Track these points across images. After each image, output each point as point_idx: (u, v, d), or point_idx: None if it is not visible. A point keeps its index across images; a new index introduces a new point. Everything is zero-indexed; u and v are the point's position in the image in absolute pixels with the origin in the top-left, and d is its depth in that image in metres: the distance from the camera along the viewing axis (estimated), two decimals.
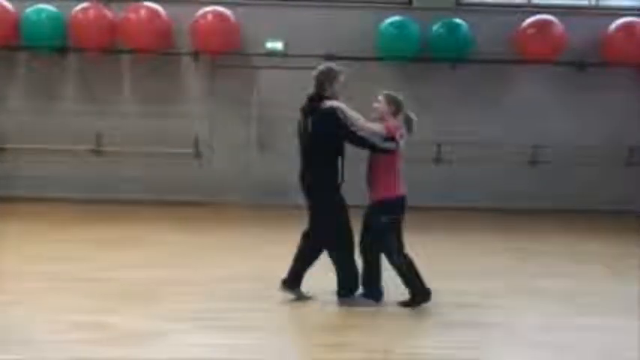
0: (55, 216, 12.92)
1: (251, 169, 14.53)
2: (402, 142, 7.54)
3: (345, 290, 7.65)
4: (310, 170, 7.59)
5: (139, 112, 14.63)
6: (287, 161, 7.62)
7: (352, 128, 7.45)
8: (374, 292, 7.70)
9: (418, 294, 7.62)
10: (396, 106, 7.71)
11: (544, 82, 14.76)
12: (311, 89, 7.65)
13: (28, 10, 13.88)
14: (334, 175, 7.49)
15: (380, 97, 7.72)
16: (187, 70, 14.71)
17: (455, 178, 14.63)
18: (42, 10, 13.90)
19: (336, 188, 7.54)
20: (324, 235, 7.66)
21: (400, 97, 7.81)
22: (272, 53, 14.45)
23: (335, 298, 7.75)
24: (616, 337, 6.89)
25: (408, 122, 7.74)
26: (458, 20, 14.14)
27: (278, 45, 14.61)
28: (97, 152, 14.57)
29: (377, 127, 7.50)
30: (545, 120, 14.68)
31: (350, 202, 7.58)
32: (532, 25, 14.07)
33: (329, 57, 14.38)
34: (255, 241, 11.00)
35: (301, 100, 7.79)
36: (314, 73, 7.66)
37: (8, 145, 14.47)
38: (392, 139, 7.46)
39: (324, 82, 7.58)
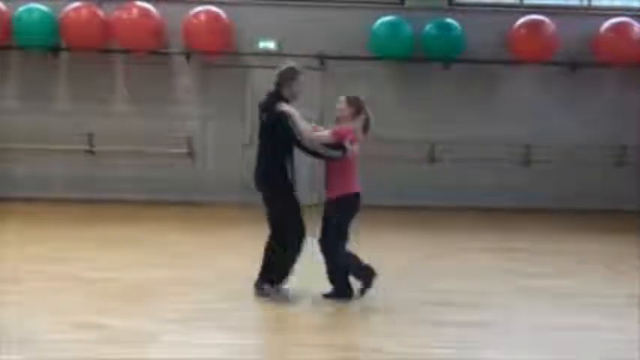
0: (51, 216, 12.88)
1: (244, 168, 14.50)
2: (352, 147, 7.60)
3: (266, 282, 7.73)
4: (260, 168, 7.68)
5: (132, 112, 14.60)
6: None
7: (299, 137, 7.54)
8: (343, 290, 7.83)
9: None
10: (356, 107, 7.80)
11: (537, 82, 14.83)
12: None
13: (20, 9, 13.80)
14: (282, 172, 7.58)
15: (341, 99, 7.83)
16: (180, 70, 14.68)
17: (448, 177, 14.66)
18: (34, 9, 13.82)
19: (285, 185, 7.61)
20: (277, 227, 7.70)
21: (361, 97, 7.91)
22: (264, 53, 14.43)
23: (333, 299, 7.81)
24: (616, 337, 6.92)
25: (367, 123, 7.84)
26: (451, 20, 14.16)
27: (270, 44, 14.61)
28: (90, 152, 14.51)
29: (325, 135, 7.61)
30: (537, 120, 14.74)
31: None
32: (524, 25, 14.11)
33: (321, 56, 14.46)
34: (251, 240, 10.92)
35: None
36: (276, 71, 7.74)
37: (0, 145, 14.38)
38: (340, 146, 7.54)
39: (284, 82, 7.65)
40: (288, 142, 7.58)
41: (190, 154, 14.65)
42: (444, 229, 12.75)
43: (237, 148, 14.47)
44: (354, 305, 7.69)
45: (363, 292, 7.82)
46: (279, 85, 7.68)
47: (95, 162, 14.60)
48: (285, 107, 7.51)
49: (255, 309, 7.53)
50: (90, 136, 14.44)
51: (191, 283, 8.02)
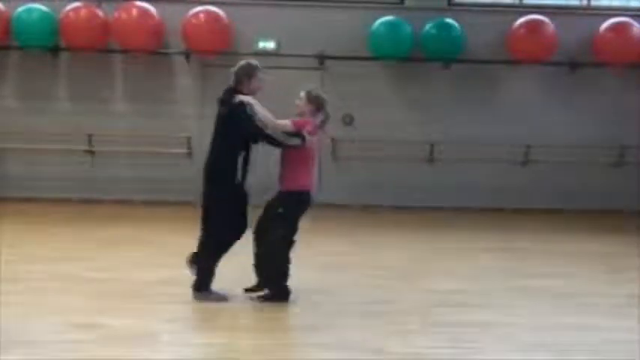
0: (51, 216, 12.88)
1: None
2: (311, 138, 7.52)
3: (199, 286, 7.69)
4: (211, 160, 7.64)
5: (132, 112, 14.60)
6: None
7: (259, 124, 7.49)
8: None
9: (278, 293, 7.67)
10: (316, 104, 7.70)
11: (536, 82, 14.84)
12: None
13: (20, 9, 13.80)
14: (233, 170, 7.51)
15: (302, 95, 7.75)
16: (179, 70, 14.68)
17: (448, 177, 14.66)
18: (33, 9, 13.82)
19: (233, 184, 7.54)
20: (209, 224, 7.69)
21: (322, 95, 7.83)
22: (264, 53, 14.41)
23: (330, 298, 7.87)
24: (616, 337, 6.91)
25: (325, 121, 7.77)
26: (450, 20, 14.15)
27: (270, 44, 14.61)
28: (90, 152, 14.51)
29: (284, 123, 7.54)
30: (537, 120, 14.75)
31: None
32: (524, 25, 14.12)
33: (321, 56, 14.46)
34: (251, 240, 10.98)
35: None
36: (233, 68, 7.69)
37: (0, 145, 14.37)
38: (299, 135, 7.49)
39: (242, 77, 7.60)
40: (246, 132, 7.51)
41: (190, 154, 14.64)
42: (444, 229, 12.75)
43: None
44: (355, 305, 7.68)
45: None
46: (237, 80, 7.62)
47: (95, 162, 14.60)
48: (243, 97, 7.47)
49: (254, 309, 7.52)
50: (89, 136, 14.43)
51: (191, 284, 8.00)
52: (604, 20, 14.29)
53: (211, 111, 14.46)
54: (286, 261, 7.68)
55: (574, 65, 14.53)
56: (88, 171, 14.58)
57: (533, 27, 14.11)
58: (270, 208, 7.71)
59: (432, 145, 14.68)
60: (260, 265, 7.78)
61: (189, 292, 7.73)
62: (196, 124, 14.57)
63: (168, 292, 7.91)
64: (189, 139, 14.56)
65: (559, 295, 8.35)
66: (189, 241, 10.83)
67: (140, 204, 14.13)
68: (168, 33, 14.19)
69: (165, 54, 14.43)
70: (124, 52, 14.17)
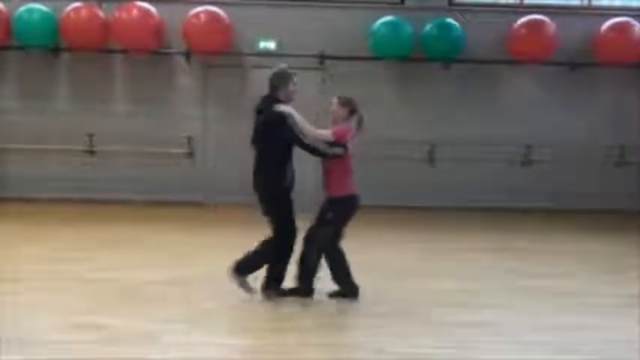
0: (51, 216, 12.89)
1: (244, 169, 14.44)
2: (350, 145, 7.68)
3: (270, 285, 7.75)
4: (259, 171, 7.67)
5: (132, 112, 14.57)
6: None
7: (300, 136, 7.54)
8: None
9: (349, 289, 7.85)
10: (350, 107, 7.82)
11: (536, 82, 14.81)
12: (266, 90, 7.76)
13: (20, 9, 13.79)
14: (281, 177, 7.57)
15: (334, 101, 7.85)
16: (180, 70, 14.66)
17: (448, 177, 14.64)
18: (34, 9, 13.80)
19: (282, 190, 7.61)
20: (275, 231, 7.71)
21: (353, 98, 7.92)
22: (265, 53, 14.41)
23: (330, 298, 7.87)
24: (616, 337, 6.92)
25: (360, 122, 7.88)
26: (451, 20, 14.14)
27: (270, 44, 14.60)
28: (90, 152, 14.51)
29: (325, 134, 7.61)
30: (537, 120, 14.72)
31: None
32: (524, 25, 14.10)
33: (321, 56, 14.44)
34: (251, 240, 10.93)
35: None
36: (268, 74, 7.74)
37: (0, 146, 14.36)
38: (340, 144, 7.58)
39: (278, 84, 7.65)
40: (289, 142, 7.56)
41: (190, 154, 14.64)
42: (444, 229, 12.74)
43: (237, 148, 14.41)
44: (355, 306, 7.69)
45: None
46: (274, 87, 7.66)
47: (95, 162, 14.59)
48: (283, 107, 7.50)
49: (255, 309, 7.53)
50: (90, 136, 14.43)
51: (191, 284, 8.02)
52: (605, 20, 14.25)
53: (212, 111, 14.64)
54: (317, 266, 7.80)
55: (574, 65, 14.52)
56: (89, 171, 14.56)
57: (534, 27, 14.08)
58: (320, 215, 7.82)
59: (432, 145, 14.67)
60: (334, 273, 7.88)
61: (189, 291, 7.76)
62: (197, 124, 14.59)
63: (169, 292, 7.92)
64: (189, 139, 14.56)
65: (559, 295, 8.36)
66: (189, 240, 10.99)
67: (141, 204, 14.13)
68: (169, 33, 14.17)
69: (166, 54, 14.41)
70: (125, 52, 14.16)
